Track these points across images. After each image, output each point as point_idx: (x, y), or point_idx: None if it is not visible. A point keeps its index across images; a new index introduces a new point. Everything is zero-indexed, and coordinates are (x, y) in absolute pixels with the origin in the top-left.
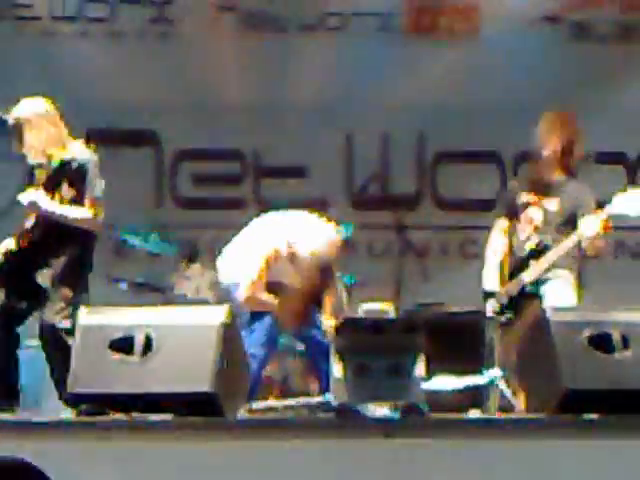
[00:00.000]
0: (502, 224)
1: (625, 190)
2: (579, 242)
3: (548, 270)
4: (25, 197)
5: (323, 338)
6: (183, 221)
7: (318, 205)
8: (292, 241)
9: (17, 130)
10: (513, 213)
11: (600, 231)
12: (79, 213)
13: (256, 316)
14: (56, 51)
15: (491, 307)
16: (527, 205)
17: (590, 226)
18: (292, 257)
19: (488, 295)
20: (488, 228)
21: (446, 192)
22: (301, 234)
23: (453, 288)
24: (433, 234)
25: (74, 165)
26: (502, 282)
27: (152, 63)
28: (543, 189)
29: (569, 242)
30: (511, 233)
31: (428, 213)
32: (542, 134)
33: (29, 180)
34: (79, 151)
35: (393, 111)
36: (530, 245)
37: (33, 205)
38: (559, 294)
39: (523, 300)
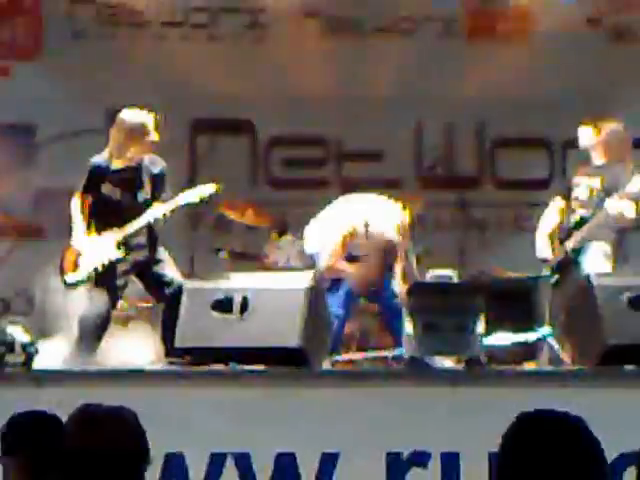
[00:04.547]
0: (558, 203)
1: None
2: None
3: (587, 240)
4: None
5: (396, 300)
6: (275, 199)
7: (391, 185)
8: (369, 221)
9: None
10: (569, 194)
11: None
12: None
13: (336, 282)
14: (165, 52)
15: (544, 271)
16: (576, 185)
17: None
18: (368, 234)
19: (541, 261)
20: (539, 205)
21: (503, 174)
22: (376, 215)
23: (508, 257)
24: (491, 210)
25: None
26: (553, 251)
27: (248, 62)
28: (591, 171)
29: (605, 211)
30: (564, 211)
31: (487, 192)
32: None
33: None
34: None
35: (457, 103)
36: (575, 217)
37: None
38: (595, 263)
39: (566, 265)
